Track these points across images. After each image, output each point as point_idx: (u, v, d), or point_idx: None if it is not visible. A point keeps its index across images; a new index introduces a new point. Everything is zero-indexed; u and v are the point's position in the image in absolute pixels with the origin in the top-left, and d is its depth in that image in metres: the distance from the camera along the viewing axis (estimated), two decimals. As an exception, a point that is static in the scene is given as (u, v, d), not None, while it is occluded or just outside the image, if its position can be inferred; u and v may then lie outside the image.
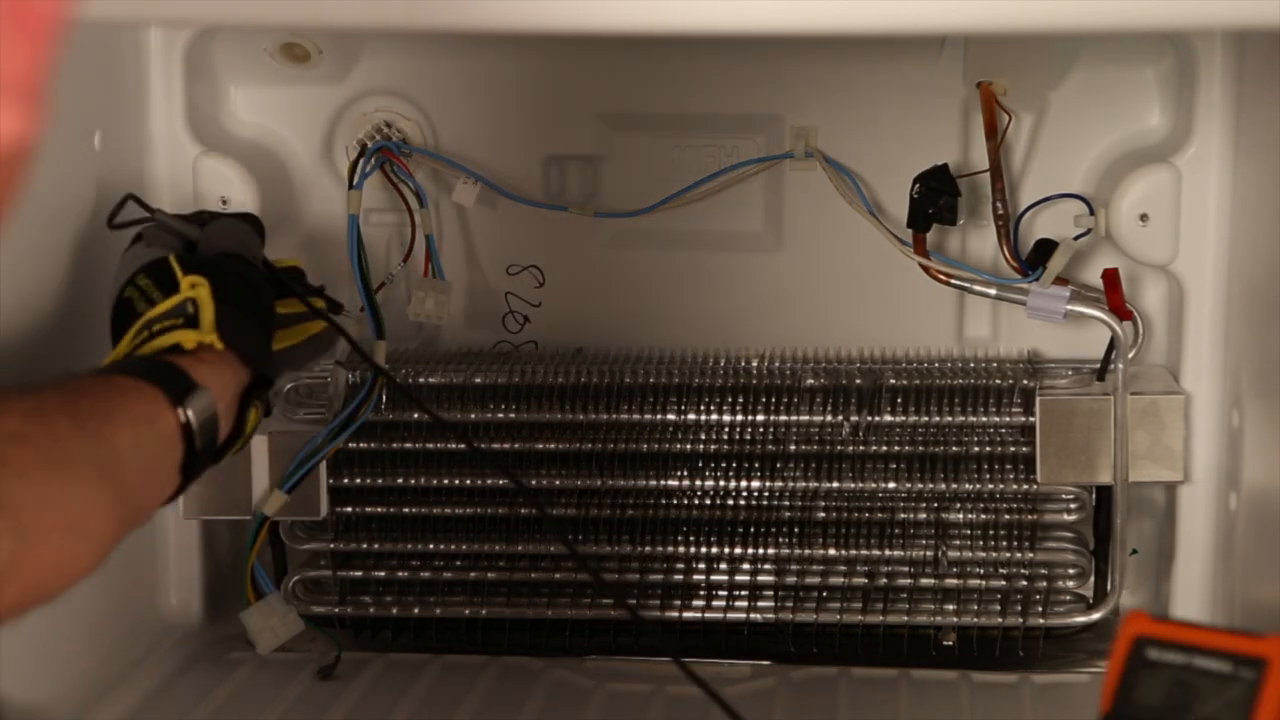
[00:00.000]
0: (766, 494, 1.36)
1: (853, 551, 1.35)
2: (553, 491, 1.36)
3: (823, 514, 1.35)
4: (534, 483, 1.35)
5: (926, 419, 1.33)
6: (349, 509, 1.37)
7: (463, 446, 1.36)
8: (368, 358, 1.33)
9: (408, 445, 1.36)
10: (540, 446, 1.36)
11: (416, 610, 1.39)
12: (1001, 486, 1.33)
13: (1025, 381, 1.33)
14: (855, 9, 0.85)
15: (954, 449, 1.34)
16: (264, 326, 1.13)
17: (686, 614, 1.37)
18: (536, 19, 0.83)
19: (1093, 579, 1.35)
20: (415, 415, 1.36)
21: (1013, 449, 1.33)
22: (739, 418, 1.35)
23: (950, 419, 1.33)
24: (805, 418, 1.34)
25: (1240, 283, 1.28)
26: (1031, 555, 1.33)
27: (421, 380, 1.36)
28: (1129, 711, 0.87)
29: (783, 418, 1.35)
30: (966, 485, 1.33)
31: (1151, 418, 1.30)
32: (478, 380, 1.36)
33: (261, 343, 1.11)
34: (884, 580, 1.35)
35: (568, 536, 1.34)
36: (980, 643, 1.36)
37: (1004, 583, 1.34)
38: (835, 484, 1.34)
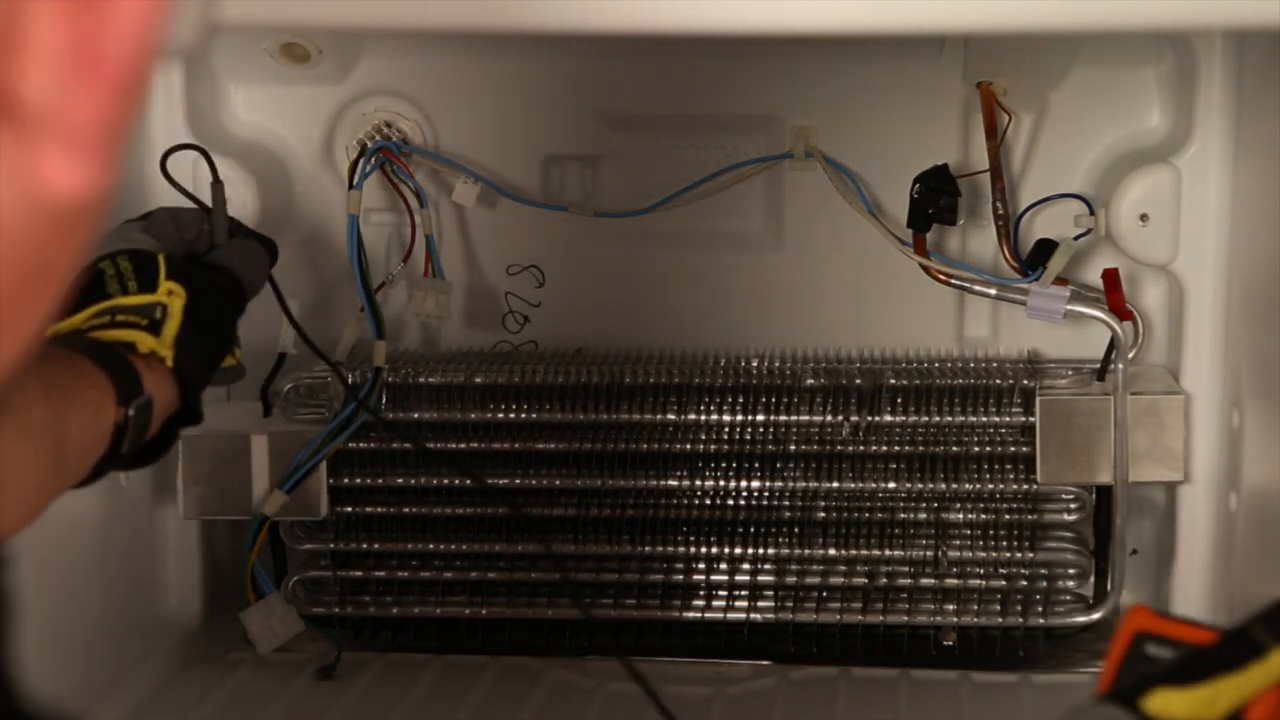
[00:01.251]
0: (766, 494, 1.36)
1: (853, 551, 1.35)
2: (553, 491, 1.36)
3: (823, 514, 1.35)
4: (534, 483, 1.36)
5: (926, 419, 1.33)
6: (349, 509, 1.37)
7: (463, 446, 1.36)
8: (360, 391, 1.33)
9: (408, 445, 1.36)
10: (540, 446, 1.36)
11: (416, 610, 1.39)
12: (1001, 486, 1.33)
13: (1025, 381, 1.33)
14: (855, 9, 0.85)
15: (954, 449, 1.34)
16: (214, 360, 1.10)
17: (686, 614, 1.37)
18: (537, 19, 0.83)
19: (1093, 579, 1.35)
20: (415, 415, 1.36)
21: (1013, 449, 1.33)
22: (739, 418, 1.35)
23: (950, 419, 1.33)
24: (805, 418, 1.34)
25: (1240, 283, 1.28)
26: (1031, 555, 1.33)
27: (421, 380, 1.36)
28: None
29: (783, 418, 1.35)
30: (966, 485, 1.33)
31: (1151, 418, 1.30)
32: (478, 380, 1.36)
33: (203, 375, 1.08)
34: (884, 580, 1.35)
35: (539, 532, 1.34)
36: (980, 643, 1.36)
37: (1004, 583, 1.34)
38: (835, 484, 1.34)
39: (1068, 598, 1.36)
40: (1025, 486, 1.33)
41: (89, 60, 0.44)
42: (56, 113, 0.44)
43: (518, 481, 1.36)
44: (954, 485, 1.34)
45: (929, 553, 1.34)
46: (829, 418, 1.34)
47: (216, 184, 1.17)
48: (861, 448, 1.34)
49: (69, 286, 0.49)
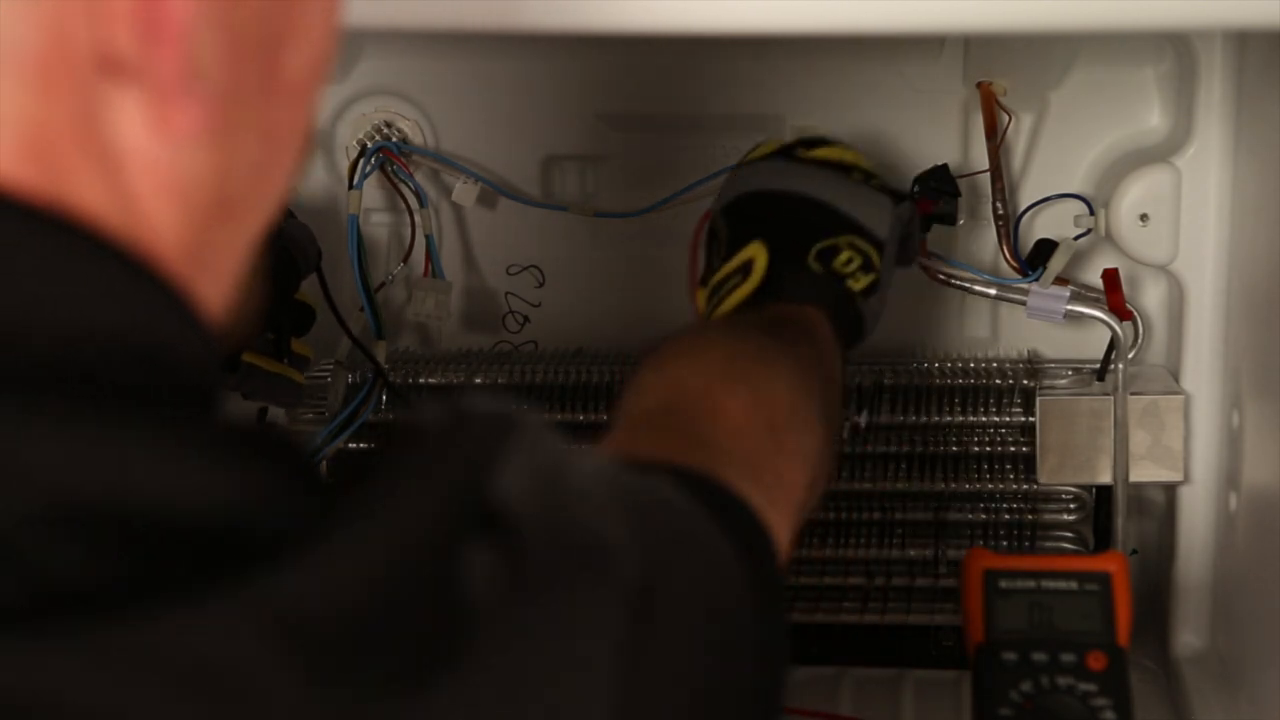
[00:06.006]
0: (766, 494, 1.36)
1: (852, 552, 1.35)
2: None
3: (821, 514, 1.35)
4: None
5: (926, 419, 1.33)
6: (349, 509, 1.37)
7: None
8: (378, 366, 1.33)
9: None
10: (540, 446, 1.36)
11: (416, 610, 1.39)
12: (1001, 486, 1.33)
13: (1025, 381, 1.33)
14: (855, 9, 0.85)
15: (954, 449, 1.34)
16: (261, 324, 1.20)
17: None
18: (537, 19, 0.83)
19: (1093, 579, 1.35)
20: (415, 415, 1.36)
21: (1013, 449, 1.33)
22: (739, 418, 1.35)
23: (950, 419, 1.33)
24: (805, 418, 1.34)
25: (1240, 283, 1.28)
26: (1031, 555, 1.34)
27: (421, 380, 1.36)
28: (999, 636, 0.94)
29: (783, 418, 1.34)
30: (966, 485, 1.33)
31: (1151, 418, 1.30)
32: (478, 380, 1.36)
33: (250, 335, 1.20)
34: (883, 580, 1.35)
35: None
36: (980, 643, 1.36)
37: (1004, 583, 1.34)
38: (834, 484, 1.34)
39: (1068, 598, 1.36)
40: (1025, 486, 1.33)
41: (155, 20, 0.49)
42: (141, 69, 0.49)
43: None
44: (954, 485, 1.34)
45: (929, 553, 1.34)
46: (829, 418, 1.34)
47: None
48: (860, 448, 1.34)
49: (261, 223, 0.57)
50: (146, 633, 0.44)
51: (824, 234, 1.10)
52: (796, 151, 1.17)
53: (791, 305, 1.07)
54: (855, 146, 1.22)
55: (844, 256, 1.09)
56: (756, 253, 1.09)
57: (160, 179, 0.50)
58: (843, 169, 1.16)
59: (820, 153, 1.18)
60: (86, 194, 0.49)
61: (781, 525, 0.81)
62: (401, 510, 0.49)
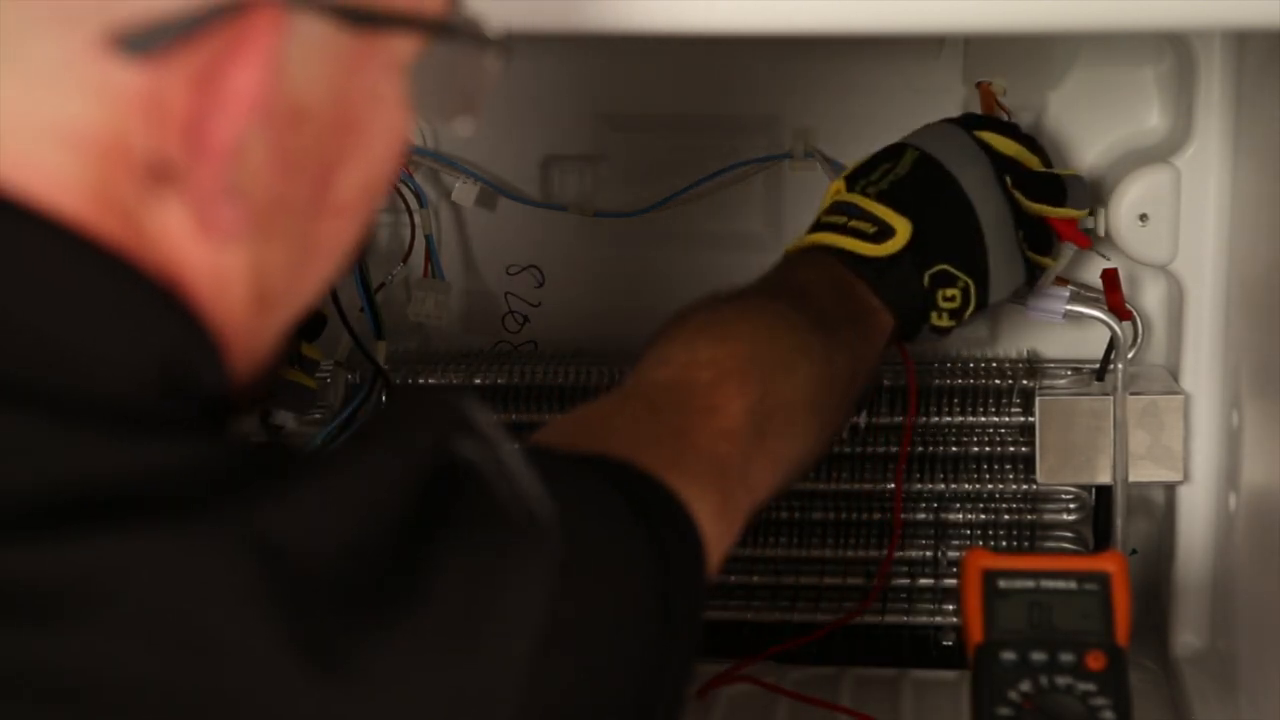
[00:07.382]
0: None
1: (851, 553, 1.35)
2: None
3: (820, 514, 1.35)
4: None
5: (926, 419, 1.33)
6: (349, 509, 1.37)
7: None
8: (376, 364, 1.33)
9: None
10: (540, 446, 1.36)
11: (416, 610, 1.39)
12: (1001, 486, 1.33)
13: (1025, 381, 1.33)
14: (855, 9, 0.85)
15: (953, 449, 1.34)
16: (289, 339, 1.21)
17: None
18: (538, 19, 0.84)
19: (1092, 579, 1.35)
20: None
21: (1012, 449, 1.33)
22: (739, 418, 1.35)
23: (950, 419, 1.33)
24: (805, 418, 1.34)
25: (1239, 283, 1.28)
26: (1031, 555, 1.34)
27: (421, 381, 1.36)
28: (999, 636, 0.94)
29: (782, 418, 1.34)
30: (966, 485, 1.34)
31: (1151, 418, 1.30)
32: (477, 381, 1.36)
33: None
34: (883, 580, 1.35)
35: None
36: (980, 643, 1.36)
37: (1004, 583, 1.34)
38: (834, 485, 1.34)
39: (1067, 598, 1.35)
40: (1025, 486, 1.33)
41: (203, 137, 0.53)
42: (185, 176, 0.54)
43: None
44: (953, 485, 1.34)
45: (928, 553, 1.34)
46: (828, 418, 1.34)
47: None
48: (860, 448, 1.34)
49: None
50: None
51: (957, 262, 1.10)
52: (1010, 179, 1.17)
53: (874, 300, 1.08)
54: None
55: (951, 293, 1.10)
56: (902, 229, 1.09)
57: (198, 271, 0.55)
58: (1016, 221, 1.16)
59: (1031, 201, 1.17)
60: (132, 244, 0.54)
61: (729, 522, 0.85)
62: (371, 464, 0.56)
